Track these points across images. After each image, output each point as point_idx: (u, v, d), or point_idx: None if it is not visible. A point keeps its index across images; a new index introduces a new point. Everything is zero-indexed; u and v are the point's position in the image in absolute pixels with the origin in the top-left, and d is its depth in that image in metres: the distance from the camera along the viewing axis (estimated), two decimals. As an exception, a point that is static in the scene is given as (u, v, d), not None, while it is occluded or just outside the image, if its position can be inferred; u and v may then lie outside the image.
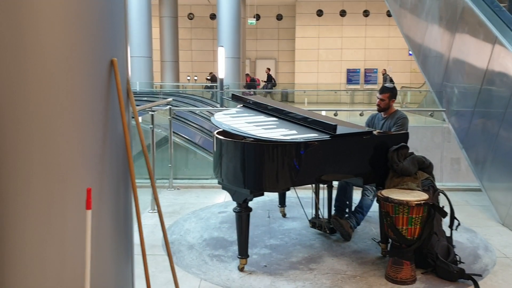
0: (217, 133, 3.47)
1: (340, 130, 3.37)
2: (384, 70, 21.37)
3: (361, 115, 6.54)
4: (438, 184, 6.10)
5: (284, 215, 4.60)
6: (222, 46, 11.24)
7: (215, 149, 3.41)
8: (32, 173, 1.89)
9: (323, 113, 10.27)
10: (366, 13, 23.28)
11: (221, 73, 10.66)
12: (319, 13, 23.36)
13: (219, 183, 3.43)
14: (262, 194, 3.28)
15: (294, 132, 3.30)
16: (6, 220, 1.90)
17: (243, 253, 3.33)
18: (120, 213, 2.20)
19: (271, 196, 5.08)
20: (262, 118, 3.65)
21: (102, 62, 2.03)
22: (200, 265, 3.44)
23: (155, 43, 20.90)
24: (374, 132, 3.64)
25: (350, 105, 20.31)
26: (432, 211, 3.25)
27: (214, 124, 3.43)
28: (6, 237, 1.90)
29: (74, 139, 1.95)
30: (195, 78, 21.60)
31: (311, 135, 3.27)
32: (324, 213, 4.17)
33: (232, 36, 15.17)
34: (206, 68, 23.79)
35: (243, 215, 3.28)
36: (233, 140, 3.23)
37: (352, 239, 3.99)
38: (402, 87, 20.08)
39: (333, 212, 4.14)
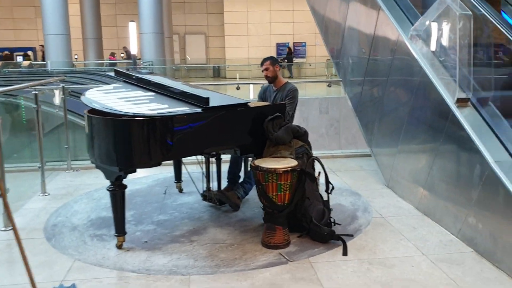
0: (89, 111, 3.37)
1: (215, 103, 3.38)
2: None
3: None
4: (337, 152, 6.39)
5: (180, 191, 4.61)
6: (133, 21, 10.89)
7: (86, 128, 3.32)
8: None
9: (251, 87, 10.22)
10: (292, -14, 23.36)
11: (134, 49, 10.39)
12: (246, -14, 23.16)
13: (92, 162, 3.36)
14: (134, 171, 3.25)
15: (166, 106, 3.28)
16: None
17: (120, 230, 3.30)
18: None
19: (173, 172, 5.05)
20: (138, 93, 3.58)
21: None
22: (78, 245, 3.38)
23: (76, 20, 19.94)
24: (250, 104, 3.67)
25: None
26: (303, 176, 3.38)
27: (83, 102, 3.32)
28: None
29: None
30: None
31: (182, 109, 3.26)
32: (214, 185, 4.22)
33: (153, 10, 14.74)
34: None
35: (117, 193, 3.24)
36: (102, 117, 3.16)
37: (241, 208, 4.08)
38: (328, 59, 20.50)
39: (226, 184, 4.20)
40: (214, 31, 24.23)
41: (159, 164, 3.25)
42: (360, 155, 6.00)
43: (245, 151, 3.67)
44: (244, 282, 2.83)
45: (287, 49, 23.37)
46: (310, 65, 22.39)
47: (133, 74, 4.01)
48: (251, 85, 10.47)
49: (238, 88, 6.55)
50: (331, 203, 3.80)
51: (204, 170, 4.18)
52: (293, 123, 3.94)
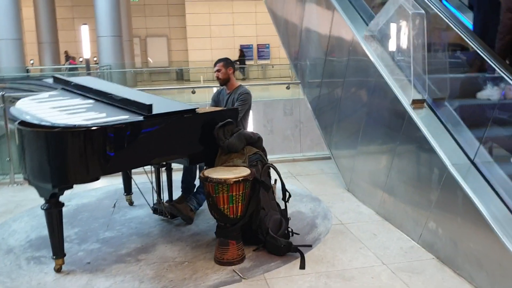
0: (21, 122, 3.06)
1: (159, 110, 3.14)
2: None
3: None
4: (298, 155, 6.24)
5: (131, 203, 4.33)
6: (85, 24, 10.49)
7: (17, 141, 3.01)
8: None
9: (214, 90, 9.99)
10: (254, -12, 23.21)
11: (87, 53, 10.01)
12: (208, -13, 22.85)
13: (24, 179, 3.06)
14: (71, 187, 2.97)
15: (103, 115, 3.01)
16: None
17: (58, 252, 3.01)
18: None
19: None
20: (75, 101, 3.30)
21: None
22: (12, 271, 3.07)
23: (30, 23, 19.15)
24: (201, 109, 3.45)
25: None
26: (257, 186, 3.18)
27: (12, 114, 3.02)
28: None
29: None
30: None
31: (122, 117, 3.00)
32: (165, 197, 3.97)
33: (110, 12, 14.29)
34: (92, 47, 22.27)
35: (53, 212, 2.95)
36: (32, 130, 2.86)
37: (195, 221, 3.85)
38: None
39: (180, 194, 3.96)
40: (176, 33, 23.79)
41: (97, 179, 2.97)
42: (322, 157, 5.87)
43: (195, 161, 3.44)
44: (193, 305, 2.61)
45: (239, 51, 22.95)
46: (272, 67, 22.29)
47: (71, 80, 3.72)
48: (214, 88, 10.25)
49: (193, 92, 6.32)
50: (291, 210, 3.63)
51: (154, 181, 3.92)
52: (251, 129, 3.76)
